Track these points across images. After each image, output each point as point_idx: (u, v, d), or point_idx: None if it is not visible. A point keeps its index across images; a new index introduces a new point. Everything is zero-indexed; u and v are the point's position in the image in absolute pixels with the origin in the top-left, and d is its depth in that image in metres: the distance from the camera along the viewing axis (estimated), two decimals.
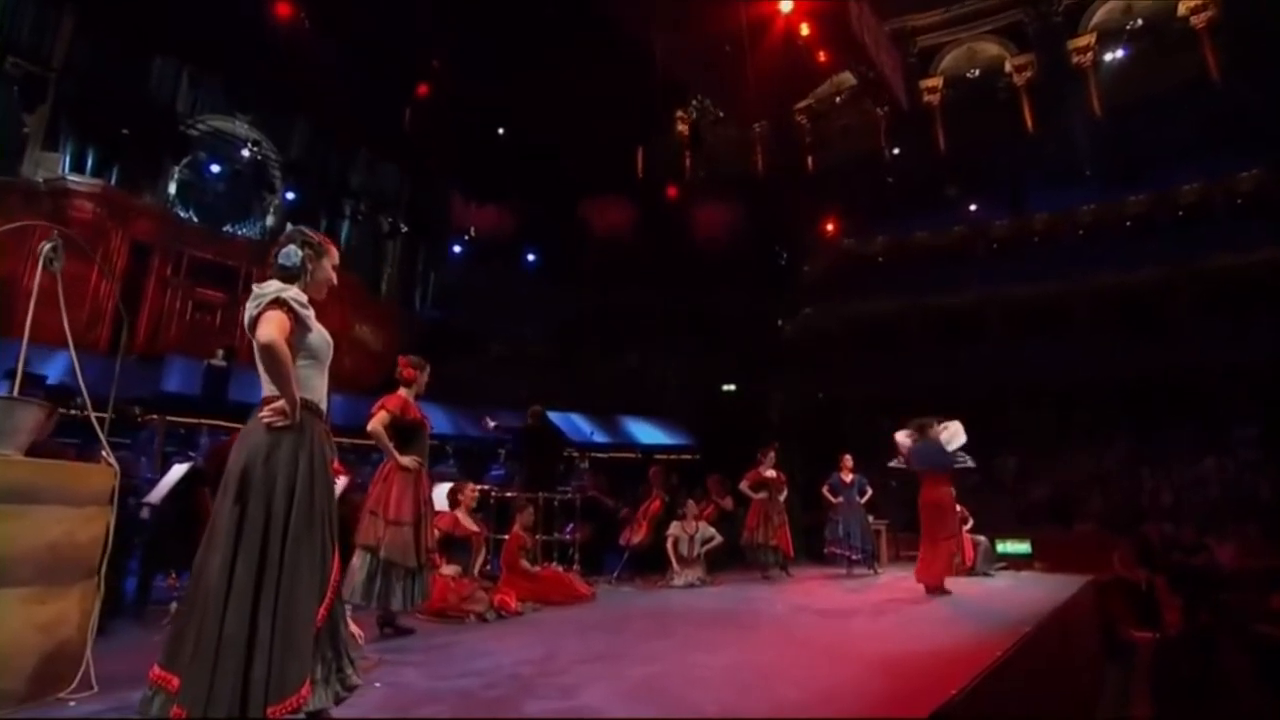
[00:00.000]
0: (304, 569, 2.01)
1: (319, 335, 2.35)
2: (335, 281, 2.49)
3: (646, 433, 14.87)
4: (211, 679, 1.81)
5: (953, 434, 5.52)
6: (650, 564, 7.11)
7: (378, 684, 2.85)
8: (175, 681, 1.88)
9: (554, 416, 14.79)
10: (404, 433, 4.15)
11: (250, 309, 2.16)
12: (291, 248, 2.31)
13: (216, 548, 1.97)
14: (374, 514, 3.96)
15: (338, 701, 2.14)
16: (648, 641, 3.76)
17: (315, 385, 2.32)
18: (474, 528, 5.04)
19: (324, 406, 2.37)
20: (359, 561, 3.87)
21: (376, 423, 4.00)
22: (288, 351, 2.11)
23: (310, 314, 2.28)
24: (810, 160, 17.91)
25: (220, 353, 10.23)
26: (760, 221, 16.13)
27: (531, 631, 4.12)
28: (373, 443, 4.10)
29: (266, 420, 2.16)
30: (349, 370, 13.43)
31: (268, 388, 2.24)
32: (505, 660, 3.28)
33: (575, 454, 12.27)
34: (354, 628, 3.25)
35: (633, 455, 13.09)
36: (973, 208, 16.27)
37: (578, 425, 14.31)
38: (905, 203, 16.39)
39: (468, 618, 4.50)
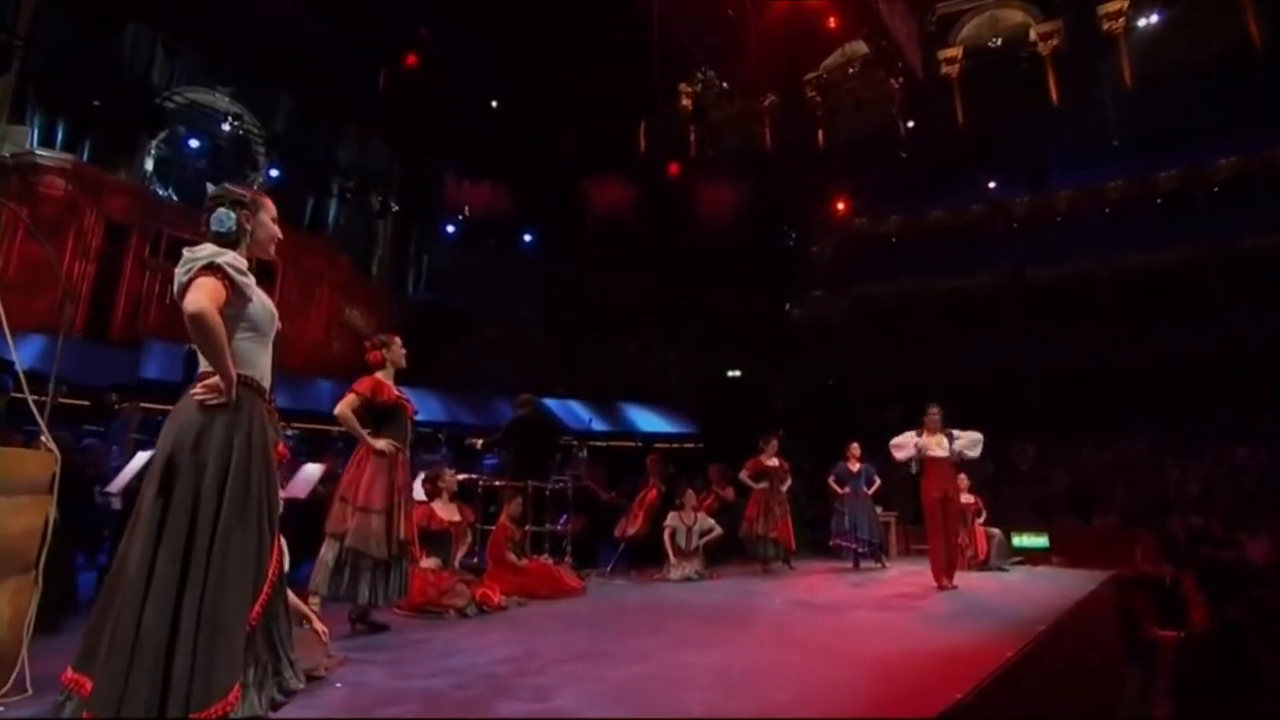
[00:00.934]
0: (235, 562, 1.88)
1: (261, 305, 2.21)
2: (279, 235, 2.35)
3: (647, 420, 14.83)
4: (126, 680, 1.69)
5: (970, 443, 5.52)
6: (646, 556, 7.02)
7: (339, 684, 2.76)
8: (89, 685, 1.76)
9: (552, 404, 15.07)
10: (379, 415, 4.02)
11: (180, 275, 2.02)
12: (222, 211, 2.16)
13: (137, 538, 1.85)
14: (343, 500, 3.84)
15: (274, 707, 2.01)
16: (635, 639, 3.69)
17: (257, 361, 2.18)
18: (453, 518, 4.92)
19: (267, 384, 2.23)
20: (326, 551, 3.75)
21: (344, 406, 3.87)
22: (220, 322, 1.98)
23: (250, 281, 2.13)
24: (820, 136, 17.62)
25: None
26: (767, 201, 16.02)
27: (513, 628, 4.05)
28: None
29: (199, 398, 2.02)
30: (339, 355, 13.41)
31: (205, 363, 2.10)
32: (480, 659, 3.21)
33: (574, 442, 12.27)
34: (318, 624, 3.15)
35: (633, 444, 13.02)
36: (992, 185, 16.07)
37: (576, 412, 14.32)
38: (920, 180, 16.19)
39: (447, 613, 4.39)
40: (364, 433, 3.90)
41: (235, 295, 2.07)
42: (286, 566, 3.12)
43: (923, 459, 5.60)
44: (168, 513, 1.86)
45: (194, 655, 1.73)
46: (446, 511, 4.92)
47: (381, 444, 3.87)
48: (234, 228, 2.19)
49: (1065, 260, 14.85)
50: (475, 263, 16.44)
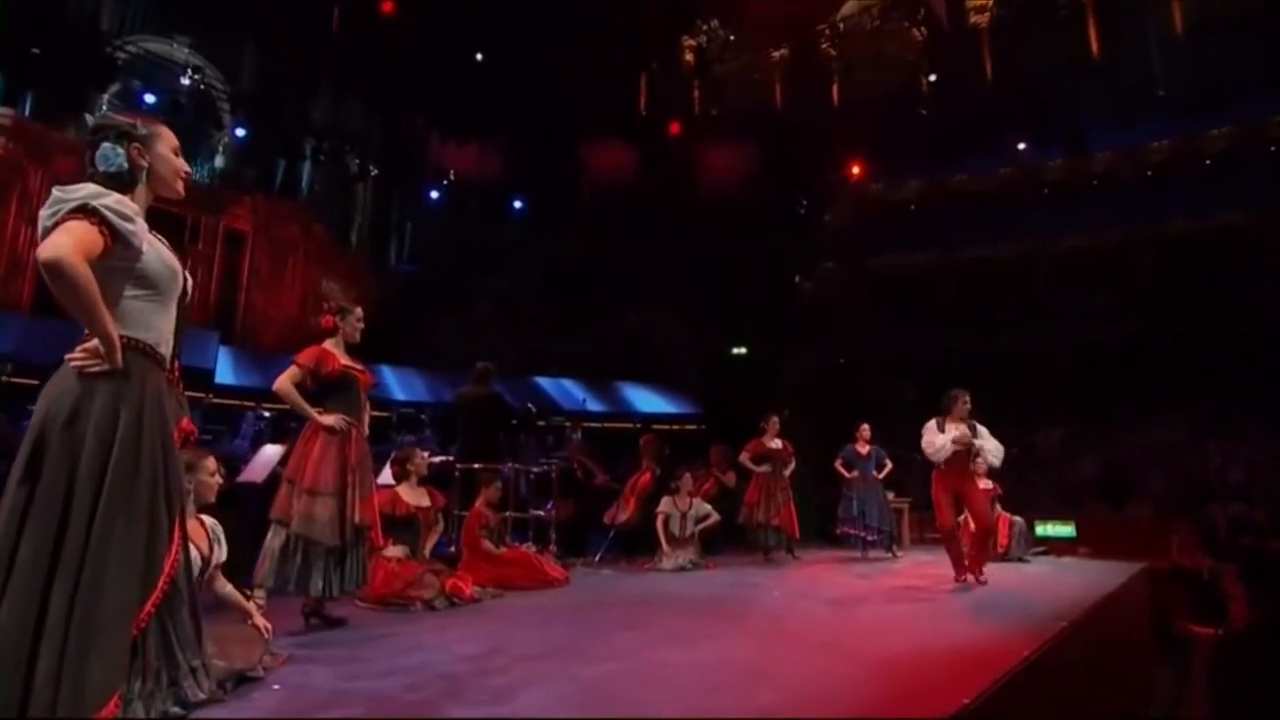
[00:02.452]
0: (118, 555, 1.72)
1: (157, 257, 2.02)
2: (186, 169, 2.16)
3: (646, 400, 14.92)
4: None
5: (996, 449, 5.37)
6: (639, 544, 7.04)
7: (276, 685, 2.67)
8: None
9: (544, 382, 15.08)
10: (329, 388, 3.90)
11: (44, 219, 1.82)
12: (107, 146, 1.97)
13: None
14: (290, 482, 3.72)
15: None
16: (615, 634, 3.65)
17: (152, 323, 2.00)
18: (421, 502, 4.81)
19: (166, 351, 2.05)
20: (272, 539, 3.63)
21: (284, 379, 3.75)
22: (88, 274, 1.78)
23: (136, 228, 1.93)
24: (835, 92, 17.16)
25: None
26: (776, 164, 15.66)
27: (483, 621, 4.02)
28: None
29: (76, 364, 1.83)
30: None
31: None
32: (440, 656, 3.15)
33: (566, 423, 12.22)
34: (259, 619, 3.04)
35: (630, 425, 12.94)
36: (1022, 146, 15.55)
37: (570, 392, 14.33)
38: (944, 142, 15.75)
39: (413, 605, 4.34)
40: (309, 408, 3.75)
41: (118, 244, 1.88)
42: (223, 557, 3.00)
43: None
44: (34, 497, 1.69)
45: (61, 659, 1.58)
46: (413, 496, 4.81)
47: (330, 420, 3.76)
48: (125, 165, 1.99)
49: (1102, 228, 14.60)
50: (462, 231, 16.33)
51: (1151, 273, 14.19)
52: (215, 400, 10.11)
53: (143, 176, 2.06)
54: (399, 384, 13.96)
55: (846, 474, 7.41)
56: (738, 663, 3.05)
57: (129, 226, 1.90)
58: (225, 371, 10.82)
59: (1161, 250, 14.15)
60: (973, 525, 5.36)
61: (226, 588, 3.01)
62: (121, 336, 1.91)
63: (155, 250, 2.03)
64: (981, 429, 5.33)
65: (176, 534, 1.92)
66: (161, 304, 2.04)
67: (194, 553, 2.73)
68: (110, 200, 1.88)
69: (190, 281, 2.20)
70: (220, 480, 3.03)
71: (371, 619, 4.06)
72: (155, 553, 1.83)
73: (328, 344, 3.97)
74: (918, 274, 16.01)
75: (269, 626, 3.05)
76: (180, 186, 2.18)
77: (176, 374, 2.12)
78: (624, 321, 16.00)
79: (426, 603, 4.36)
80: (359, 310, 4.02)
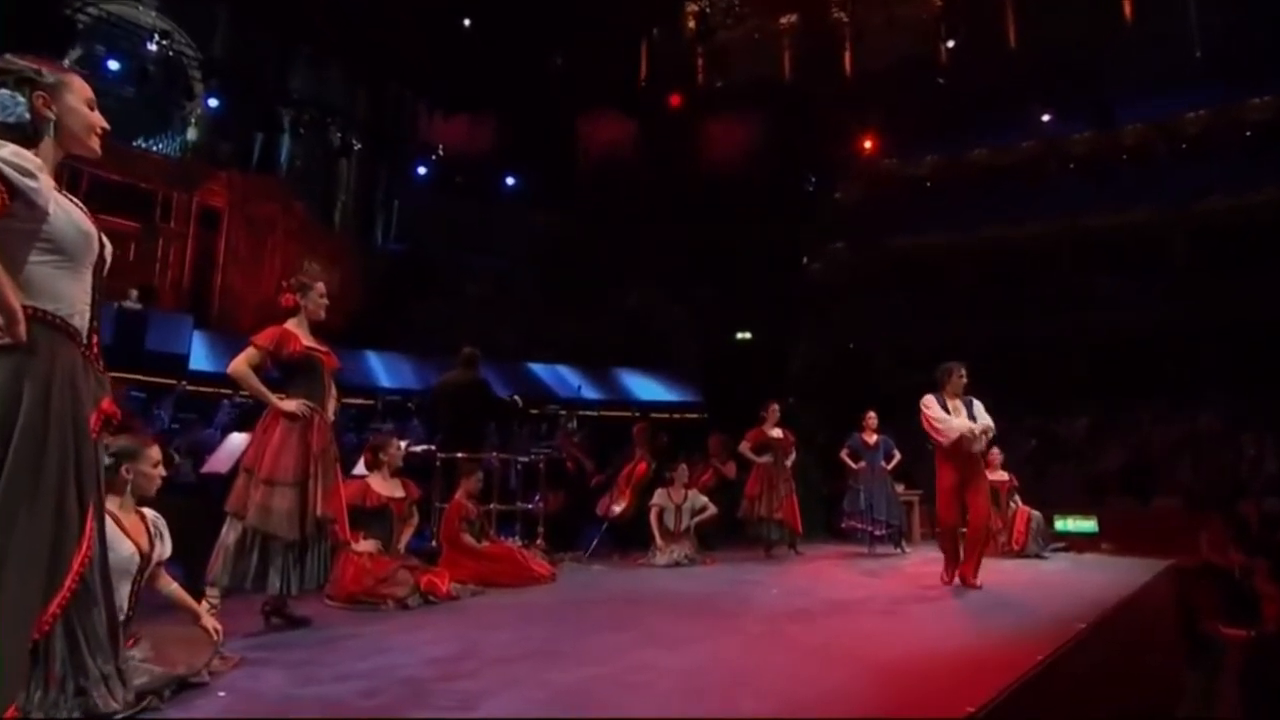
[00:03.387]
0: (19, 548, 1.62)
1: (68, 220, 1.89)
2: (103, 124, 2.04)
3: (645, 387, 14.92)
4: None
5: (986, 429, 5.01)
6: (634, 539, 6.97)
7: (222, 692, 2.60)
8: None
9: (538, 369, 15.04)
10: (291, 371, 3.79)
11: None
12: (5, 93, 1.83)
13: None
14: (248, 472, 3.62)
15: None
16: (597, 634, 3.61)
17: (62, 292, 1.88)
18: (393, 494, 4.72)
19: (80, 324, 1.92)
20: (227, 533, 3.53)
21: (239, 361, 3.65)
22: None
23: (40, 184, 1.80)
24: (847, 61, 16.99)
25: (134, 293, 10.01)
26: (784, 138, 15.59)
27: (458, 621, 3.97)
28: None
29: None
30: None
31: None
32: (405, 659, 3.09)
33: (561, 412, 12.18)
34: (208, 620, 2.96)
35: (628, 413, 12.90)
36: (1046, 118, 15.51)
37: (565, 378, 14.36)
38: (962, 114, 15.68)
39: (384, 604, 4.25)
40: (268, 392, 3.65)
41: (18, 203, 1.75)
42: (167, 553, 2.90)
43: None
44: None
45: None
46: (386, 486, 4.72)
47: (291, 405, 3.65)
48: (26, 115, 1.86)
49: (1132, 206, 14.43)
50: (452, 209, 16.28)
51: (1185, 254, 14.03)
52: (190, 388, 10.02)
53: (49, 129, 1.93)
54: (385, 370, 13.93)
55: (852, 465, 7.32)
56: (724, 666, 3.01)
57: (30, 183, 1.78)
58: (200, 357, 10.75)
59: (1196, 229, 13.97)
60: (972, 521, 4.99)
61: (171, 586, 2.91)
62: (26, 307, 1.79)
63: (65, 212, 1.90)
64: (977, 405, 5.06)
65: (89, 527, 1.81)
66: (73, 271, 1.91)
67: (130, 549, 2.66)
68: (8, 152, 1.75)
69: (109, 247, 2.08)
70: (164, 472, 2.92)
71: (338, 618, 3.98)
72: (62, 548, 1.72)
73: (290, 324, 3.85)
74: (933, 255, 15.93)
75: (219, 628, 2.96)
76: (95, 144, 2.04)
77: (95, 350, 2.00)
78: (622, 305, 15.97)
79: (399, 601, 4.27)
80: (321, 285, 3.90)
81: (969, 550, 4.97)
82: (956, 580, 4.98)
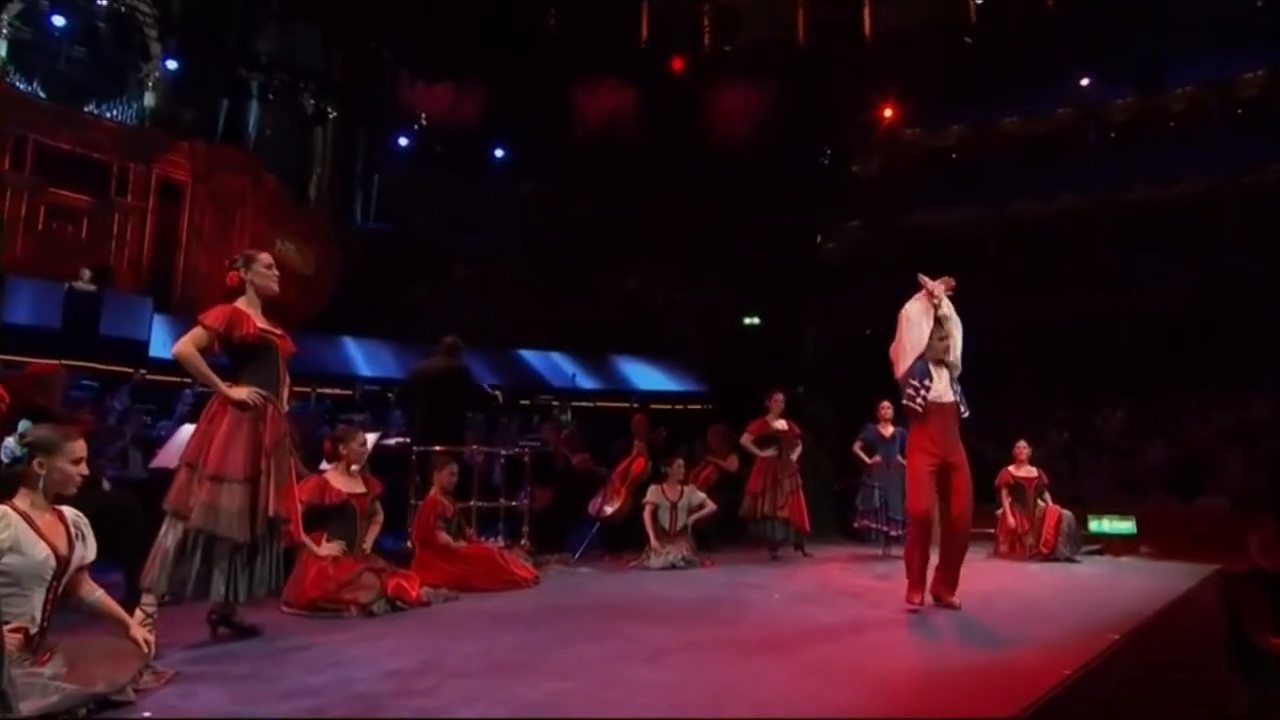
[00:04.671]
0: None
1: None
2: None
3: (645, 376, 14.85)
4: None
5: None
6: (629, 539, 6.92)
7: (147, 712, 2.55)
8: None
9: (531, 356, 15.00)
10: (242, 355, 3.69)
11: None
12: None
13: None
14: (190, 467, 3.51)
15: None
16: (575, 644, 3.57)
17: None
18: (354, 490, 4.63)
19: None
20: (166, 534, 3.43)
21: (185, 342, 3.54)
22: None
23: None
24: (866, 21, 16.83)
25: (87, 274, 9.96)
26: (797, 106, 15.50)
27: (425, 629, 3.94)
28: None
29: None
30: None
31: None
32: (360, 672, 3.05)
33: (554, 403, 12.14)
34: (137, 631, 2.90)
35: (627, 404, 12.91)
36: (1086, 82, 15.33)
37: (559, 366, 14.39)
38: (992, 78, 15.60)
39: (347, 610, 4.18)
40: (216, 378, 3.56)
41: None
42: (89, 556, 2.81)
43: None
44: None
45: None
46: (345, 482, 4.65)
47: (241, 393, 3.55)
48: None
49: (1179, 178, 14.31)
50: (436, 183, 16.24)
51: (1236, 229, 13.87)
52: (150, 376, 9.96)
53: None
54: (364, 358, 13.92)
55: (866, 459, 7.23)
56: (712, 681, 2.97)
57: None
58: (161, 344, 10.67)
59: (1249, 203, 13.80)
60: (955, 514, 4.29)
61: (96, 594, 2.83)
62: None
63: None
64: (955, 317, 4.43)
65: None
66: None
67: (45, 552, 2.57)
68: None
69: None
70: (85, 471, 2.83)
71: (294, 627, 3.93)
72: None
73: (240, 303, 3.75)
74: (960, 232, 15.84)
75: (150, 639, 2.90)
76: None
77: None
78: (621, 287, 15.94)
79: (363, 607, 4.20)
80: (266, 256, 3.80)
81: (947, 554, 4.32)
82: (922, 601, 4.26)
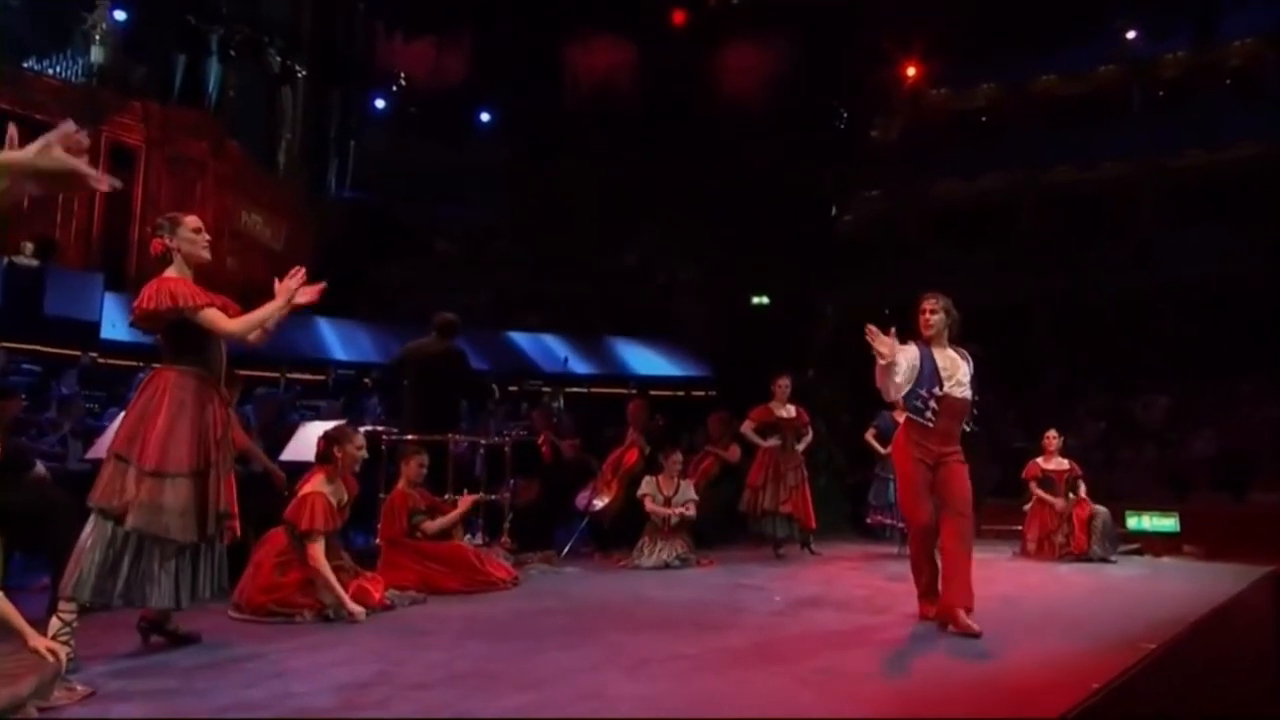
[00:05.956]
0: None
1: None
2: None
3: (644, 360, 14.90)
4: None
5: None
6: (621, 535, 6.91)
7: None
8: None
9: (520, 338, 14.99)
10: (178, 332, 3.55)
11: None
12: None
13: None
14: (121, 459, 3.40)
15: None
16: (548, 653, 3.55)
17: None
18: (342, 500, 4.59)
19: None
20: (91, 535, 3.32)
21: (230, 325, 3.47)
22: None
23: None
24: None
25: (29, 247, 9.90)
26: (812, 64, 15.45)
27: (385, 636, 3.90)
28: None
29: None
30: (234, 272, 13.20)
31: None
32: (304, 686, 3.01)
33: (545, 388, 12.13)
34: (39, 642, 2.81)
35: (624, 391, 12.96)
36: (1132, 35, 15.21)
37: (551, 349, 14.45)
38: (1025, 32, 15.37)
39: (300, 615, 4.14)
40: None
41: None
42: None
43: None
44: None
45: None
46: (336, 494, 4.55)
47: (185, 375, 3.47)
48: None
49: (1233, 141, 14.19)
50: (417, 150, 16.22)
51: None
52: (101, 360, 9.92)
53: None
54: (339, 340, 13.99)
55: (880, 449, 7.17)
56: (695, 693, 2.94)
57: None
58: (114, 324, 10.61)
59: None
60: (951, 516, 4.06)
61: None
62: None
63: None
64: (965, 359, 4.18)
65: None
66: None
67: None
68: None
69: None
70: None
71: (240, 634, 3.88)
72: None
73: (170, 273, 3.63)
74: (989, 203, 15.80)
75: (56, 649, 2.78)
76: None
77: None
78: (618, 264, 15.92)
79: (319, 611, 4.15)
80: (192, 219, 3.69)
81: (950, 564, 4.03)
82: (932, 614, 4.12)
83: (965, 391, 4.15)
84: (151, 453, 3.36)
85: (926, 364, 4.10)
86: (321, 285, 3.68)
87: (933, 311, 4.19)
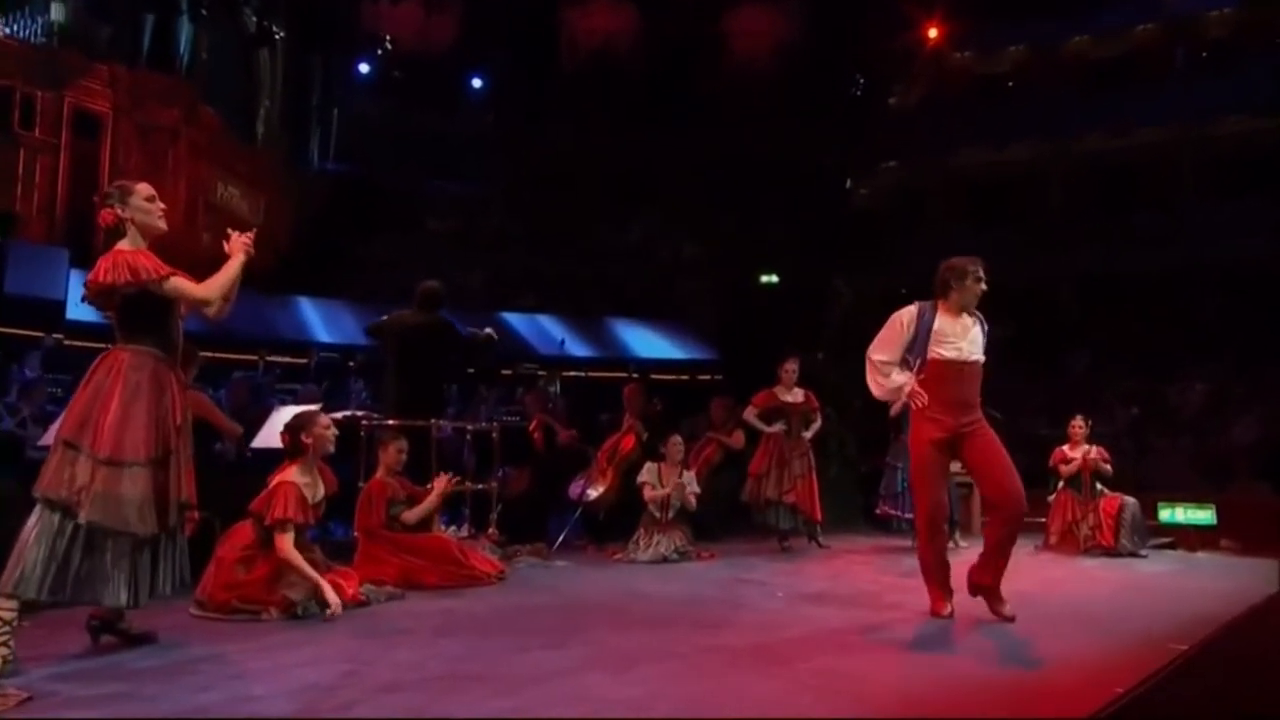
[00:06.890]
0: None
1: None
2: None
3: (646, 342, 14.93)
4: None
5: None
6: (616, 527, 6.94)
7: None
8: None
9: (515, 319, 14.98)
10: (135, 309, 3.50)
11: None
12: None
13: None
14: (71, 446, 3.36)
15: None
16: (531, 652, 3.56)
17: None
18: (318, 492, 4.59)
19: None
20: (37, 527, 3.28)
21: (200, 290, 3.51)
22: None
23: None
24: None
25: None
26: (825, 26, 15.46)
27: (356, 634, 3.89)
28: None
29: None
30: (212, 248, 13.11)
31: None
32: (264, 689, 3.02)
33: (540, 372, 12.12)
34: None
35: (624, 374, 12.96)
36: None
37: (547, 331, 14.50)
38: None
39: (267, 611, 4.14)
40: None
41: None
42: None
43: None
44: None
45: None
46: (310, 485, 4.54)
47: (141, 355, 3.44)
48: None
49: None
50: (404, 119, 16.22)
51: None
52: (66, 342, 9.89)
53: None
54: (322, 321, 14.04)
55: (894, 436, 7.17)
56: (684, 697, 2.94)
57: None
58: (80, 304, 10.62)
59: None
60: (1003, 500, 4.07)
61: None
62: None
63: None
64: (978, 330, 4.16)
65: None
66: None
67: None
68: None
69: None
70: None
71: (201, 632, 3.87)
72: None
73: (122, 246, 3.59)
74: (1015, 173, 15.85)
75: (6, 653, 2.87)
76: None
77: None
78: (619, 241, 15.93)
79: (286, 608, 4.14)
80: (145, 187, 3.66)
81: (993, 548, 4.07)
82: (948, 610, 4.12)
83: (978, 354, 4.16)
84: (106, 440, 3.32)
85: (922, 331, 4.13)
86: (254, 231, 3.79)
87: (985, 283, 4.18)
